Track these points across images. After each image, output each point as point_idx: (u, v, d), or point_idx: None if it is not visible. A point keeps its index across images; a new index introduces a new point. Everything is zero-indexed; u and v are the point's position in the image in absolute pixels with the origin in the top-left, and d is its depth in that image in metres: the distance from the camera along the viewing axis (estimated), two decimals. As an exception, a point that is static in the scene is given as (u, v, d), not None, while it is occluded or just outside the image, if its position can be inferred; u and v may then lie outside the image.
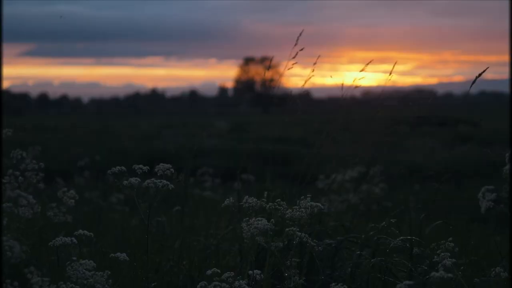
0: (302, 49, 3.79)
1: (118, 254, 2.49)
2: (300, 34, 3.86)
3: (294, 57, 3.79)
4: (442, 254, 2.44)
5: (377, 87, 3.97)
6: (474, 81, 3.09)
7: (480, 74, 2.99)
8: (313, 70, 3.86)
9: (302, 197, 2.52)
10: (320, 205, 2.50)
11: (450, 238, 2.68)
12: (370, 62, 3.74)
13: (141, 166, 2.53)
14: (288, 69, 3.79)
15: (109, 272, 2.36)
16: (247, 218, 2.44)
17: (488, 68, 3.01)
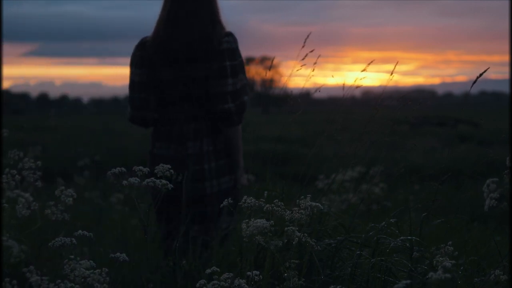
0: (312, 51, 3.74)
1: (118, 254, 2.48)
2: (308, 36, 3.82)
3: (303, 59, 3.75)
4: (442, 259, 2.44)
5: (378, 87, 3.97)
6: (474, 81, 3.08)
7: (480, 75, 2.98)
8: (313, 70, 3.84)
9: (302, 197, 2.51)
10: (320, 205, 2.50)
11: (450, 242, 2.67)
12: (372, 62, 3.74)
13: (141, 167, 2.53)
14: (297, 70, 3.76)
15: (107, 270, 2.36)
16: (247, 220, 2.43)
17: (491, 68, 3.00)
